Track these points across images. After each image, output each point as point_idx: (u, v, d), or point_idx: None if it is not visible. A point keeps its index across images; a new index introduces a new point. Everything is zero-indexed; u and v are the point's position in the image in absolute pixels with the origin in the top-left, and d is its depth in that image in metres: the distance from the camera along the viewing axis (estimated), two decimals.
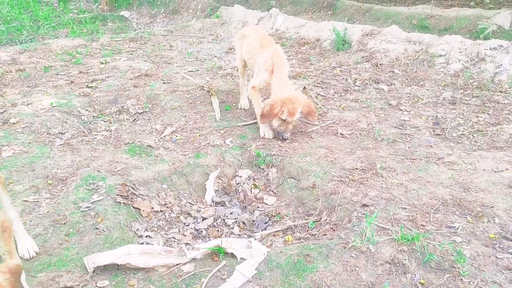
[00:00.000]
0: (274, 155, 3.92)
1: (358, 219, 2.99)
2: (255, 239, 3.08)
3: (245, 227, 3.40)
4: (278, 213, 3.50)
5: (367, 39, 6.50)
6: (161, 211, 3.41)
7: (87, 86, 5.45)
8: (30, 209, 3.13)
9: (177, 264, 2.69)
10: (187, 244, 3.13)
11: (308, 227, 3.22)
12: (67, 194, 3.28)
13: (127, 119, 4.85)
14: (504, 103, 4.73)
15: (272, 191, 3.74)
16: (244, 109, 4.88)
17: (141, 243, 3.02)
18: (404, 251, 2.66)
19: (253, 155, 3.96)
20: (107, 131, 4.52)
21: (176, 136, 4.32)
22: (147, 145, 4.12)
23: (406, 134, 4.23)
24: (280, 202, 3.62)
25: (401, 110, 4.79)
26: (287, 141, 4.14)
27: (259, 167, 3.90)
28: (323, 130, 4.36)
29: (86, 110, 4.87)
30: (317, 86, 5.43)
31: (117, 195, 3.28)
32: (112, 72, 6.01)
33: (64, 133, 4.31)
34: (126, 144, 4.19)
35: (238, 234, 3.31)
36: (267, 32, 5.31)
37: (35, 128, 4.28)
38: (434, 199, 3.16)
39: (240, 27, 8.07)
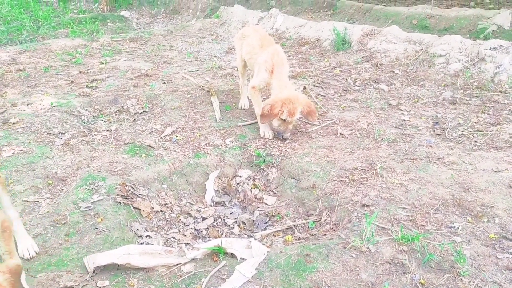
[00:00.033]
0: (274, 155, 3.92)
1: (358, 219, 2.99)
2: (255, 239, 3.08)
3: (245, 227, 3.40)
4: (278, 213, 3.50)
5: (367, 39, 6.50)
6: (161, 211, 3.41)
7: (87, 86, 5.45)
8: (30, 209, 3.14)
9: (177, 264, 2.69)
10: (187, 244, 3.13)
11: (308, 227, 3.22)
12: (67, 194, 3.28)
13: (127, 119, 4.85)
14: (504, 103, 4.73)
15: (272, 191, 3.74)
16: (244, 109, 4.88)
17: (141, 243, 3.02)
18: (404, 251, 2.66)
19: (253, 155, 3.96)
20: (107, 131, 4.53)
21: (176, 136, 4.32)
22: (147, 145, 4.12)
23: (406, 134, 4.23)
24: (280, 202, 3.62)
25: (401, 110, 4.79)
26: (287, 141, 4.13)
27: (259, 167, 3.90)
28: (323, 130, 4.36)
29: (86, 110, 4.87)
30: (317, 86, 5.44)
31: (117, 195, 3.28)
32: (112, 72, 6.01)
33: (64, 133, 4.31)
34: (126, 144, 4.19)
35: (238, 234, 3.31)
36: (267, 32, 5.31)
37: (35, 128, 4.28)
38: (434, 199, 3.16)
39: (240, 27, 8.07)
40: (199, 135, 4.30)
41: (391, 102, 4.98)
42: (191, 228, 3.34)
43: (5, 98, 4.99)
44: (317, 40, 7.15)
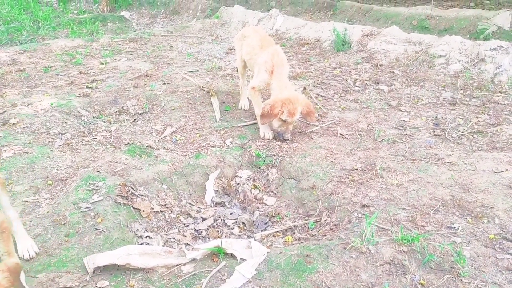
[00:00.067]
0: (274, 155, 3.92)
1: (358, 219, 2.99)
2: (255, 240, 3.08)
3: (245, 228, 3.40)
4: (278, 213, 3.50)
5: (367, 40, 6.50)
6: (161, 211, 3.41)
7: (87, 87, 5.45)
8: (30, 209, 3.13)
9: (177, 265, 2.69)
10: (187, 244, 3.12)
11: (308, 227, 3.22)
12: (67, 195, 3.28)
13: (127, 119, 4.85)
14: (504, 104, 4.73)
15: (272, 191, 3.74)
16: (244, 110, 4.88)
17: (141, 244, 3.02)
18: (404, 251, 2.66)
19: (253, 156, 3.96)
20: (107, 131, 4.53)
21: (176, 136, 4.32)
22: (147, 146, 4.12)
23: (406, 134, 4.23)
24: (280, 203, 3.62)
25: (401, 110, 4.79)
26: (288, 141, 4.13)
27: (259, 167, 3.90)
28: (323, 131, 4.36)
29: (86, 110, 4.87)
30: (317, 86, 5.44)
31: (117, 195, 3.28)
32: (112, 73, 6.01)
33: (64, 134, 4.31)
34: (126, 144, 4.19)
35: (238, 235, 3.30)
36: (267, 33, 5.31)
37: (35, 128, 4.28)
38: (434, 200, 3.16)
39: (240, 27, 8.07)
40: (199, 136, 4.30)
41: (391, 102, 4.98)
42: (191, 229, 3.34)
43: (5, 98, 4.99)
44: (317, 41, 7.15)
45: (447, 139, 4.16)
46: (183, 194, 3.66)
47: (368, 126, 4.42)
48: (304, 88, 5.29)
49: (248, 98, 4.88)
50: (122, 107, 5.04)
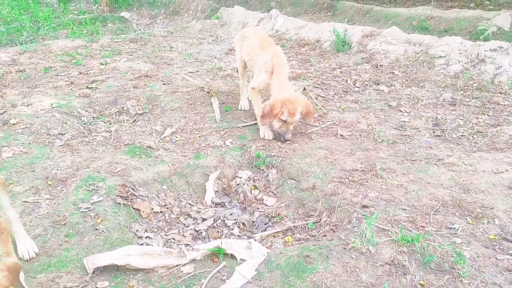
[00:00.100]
0: (274, 156, 3.92)
1: (358, 220, 2.99)
2: (255, 240, 3.08)
3: (245, 228, 3.40)
4: (278, 214, 3.49)
5: (367, 40, 6.51)
6: (161, 212, 3.41)
7: (87, 87, 5.45)
8: (30, 210, 3.13)
9: (177, 265, 2.69)
10: (187, 245, 3.12)
11: (308, 228, 3.22)
12: (67, 195, 3.28)
13: (127, 120, 4.85)
14: (504, 105, 4.73)
15: (272, 192, 3.74)
16: (244, 110, 4.88)
17: (141, 244, 3.02)
18: (404, 252, 2.66)
19: (253, 156, 3.96)
20: (107, 132, 4.53)
21: (176, 137, 4.32)
22: (147, 146, 4.12)
23: (406, 135, 4.23)
24: (280, 203, 3.61)
25: (401, 111, 4.79)
26: (288, 142, 4.13)
27: (259, 168, 3.90)
28: (323, 131, 4.36)
29: (86, 111, 4.87)
30: (317, 87, 5.44)
31: (117, 196, 3.28)
32: (112, 73, 6.02)
33: (64, 134, 4.31)
34: (126, 145, 4.19)
35: (238, 235, 3.30)
36: (267, 33, 5.31)
37: (35, 129, 4.28)
38: (434, 200, 3.16)
39: (240, 28, 8.07)
40: (199, 136, 4.30)
41: (391, 103, 4.98)
42: (191, 229, 3.34)
43: (5, 99, 4.99)
44: (317, 41, 7.15)
45: (447, 139, 4.16)
46: (183, 194, 3.66)
47: (368, 126, 4.42)
48: (304, 89, 5.30)
49: (248, 99, 4.88)
50: (122, 107, 5.04)
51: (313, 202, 3.43)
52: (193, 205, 3.60)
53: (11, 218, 2.67)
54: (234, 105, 4.98)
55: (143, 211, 3.30)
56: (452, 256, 2.60)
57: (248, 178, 3.86)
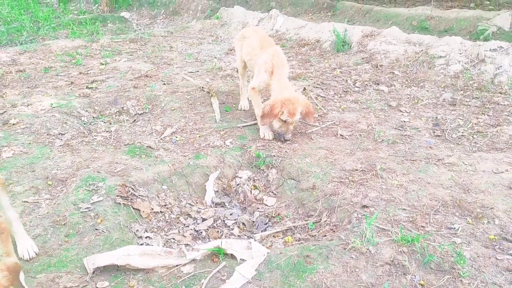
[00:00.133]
0: (274, 156, 3.92)
1: (358, 220, 2.99)
2: (255, 240, 3.08)
3: (245, 228, 3.40)
4: (278, 214, 3.50)
5: (367, 40, 6.51)
6: (161, 212, 3.41)
7: (87, 87, 5.45)
8: (30, 210, 3.13)
9: (177, 265, 2.69)
10: (187, 245, 3.12)
11: (308, 228, 3.22)
12: (67, 195, 3.28)
13: (127, 120, 4.85)
14: (504, 105, 4.73)
15: (272, 192, 3.74)
16: (244, 110, 4.88)
17: (141, 244, 3.02)
18: (404, 252, 2.66)
19: (253, 156, 3.96)
20: (107, 132, 4.53)
21: (176, 137, 4.32)
22: (147, 146, 4.12)
23: (406, 135, 4.23)
24: (280, 203, 3.61)
25: (401, 111, 4.79)
26: (288, 142, 4.13)
27: (259, 168, 3.90)
28: (323, 131, 4.36)
29: (86, 111, 4.87)
30: (317, 87, 5.44)
31: (117, 196, 3.28)
32: (112, 73, 6.02)
33: (64, 134, 4.31)
34: (126, 145, 4.19)
35: (238, 235, 3.30)
36: (267, 33, 5.31)
37: (35, 129, 4.28)
38: (434, 200, 3.16)
39: (240, 28, 8.07)
40: (199, 136, 4.30)
41: (391, 103, 4.98)
42: (191, 229, 3.34)
43: (5, 99, 4.99)
44: (317, 41, 7.15)
45: (447, 139, 4.16)
46: (183, 194, 3.66)
47: (368, 126, 4.42)
48: (304, 89, 5.30)
49: (248, 99, 4.88)
50: (122, 107, 5.04)
51: (313, 202, 3.43)
52: (193, 205, 3.60)
53: (11, 218, 2.67)
54: (234, 105, 4.98)
55: (143, 211, 3.30)
56: (452, 256, 2.60)
57: (248, 178, 3.86)
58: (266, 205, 3.62)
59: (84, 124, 4.66)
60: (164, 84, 5.62)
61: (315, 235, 3.10)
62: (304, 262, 2.63)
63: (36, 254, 2.71)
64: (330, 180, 3.50)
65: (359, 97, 5.18)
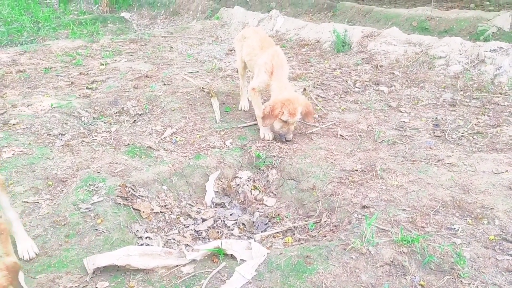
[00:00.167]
0: (274, 156, 3.92)
1: (358, 220, 2.99)
2: (255, 241, 3.08)
3: (245, 229, 3.40)
4: (278, 214, 3.50)
5: (367, 41, 6.51)
6: (161, 212, 3.41)
7: (87, 88, 5.46)
8: (30, 210, 3.13)
9: (177, 266, 2.69)
10: (187, 245, 3.13)
11: (308, 228, 3.22)
12: (67, 195, 3.28)
13: (127, 120, 4.85)
14: (504, 105, 4.73)
15: (272, 192, 3.74)
16: (244, 111, 4.88)
17: (141, 245, 3.02)
18: (404, 252, 2.66)
19: (253, 157, 3.96)
20: (107, 132, 4.53)
21: (176, 137, 4.32)
22: (147, 147, 4.12)
23: (406, 135, 4.23)
24: (280, 204, 3.62)
25: (401, 111, 4.79)
26: (289, 142, 4.12)
27: (259, 168, 3.90)
28: (323, 132, 4.36)
29: (86, 111, 4.88)
30: (317, 87, 5.44)
31: (117, 196, 3.28)
32: (112, 74, 6.02)
33: (64, 134, 4.31)
34: (126, 145, 4.19)
35: (238, 236, 3.31)
36: (267, 34, 5.32)
37: (35, 129, 4.29)
38: (434, 201, 3.16)
39: (240, 28, 8.08)
40: (199, 137, 4.30)
41: (391, 103, 4.98)
42: (191, 230, 3.34)
43: (5, 99, 4.99)
44: (317, 42, 7.15)
45: (447, 140, 4.16)
46: (183, 195, 3.66)
47: (368, 127, 4.42)
48: (304, 89, 5.30)
49: (248, 99, 4.88)
50: (122, 108, 5.04)
51: (313, 202, 3.43)
52: (193, 206, 3.60)
53: (11, 219, 2.67)
54: (234, 106, 4.99)
55: (143, 212, 3.31)
56: (452, 257, 2.60)
57: (248, 178, 3.86)
58: (266, 205, 3.63)
59: (84, 124, 4.66)
60: (164, 84, 5.62)
61: (315, 235, 3.10)
62: (304, 262, 2.63)
63: (36, 254, 2.71)
64: (330, 181, 3.50)
65: (359, 97, 5.19)
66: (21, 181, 3.45)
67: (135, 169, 3.68)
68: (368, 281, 2.50)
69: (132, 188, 3.42)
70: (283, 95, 4.05)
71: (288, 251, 2.77)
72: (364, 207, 3.12)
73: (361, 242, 2.73)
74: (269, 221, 3.47)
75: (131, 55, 6.96)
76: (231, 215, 3.55)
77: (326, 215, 3.25)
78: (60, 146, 4.07)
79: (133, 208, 3.28)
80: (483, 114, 4.60)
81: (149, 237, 3.12)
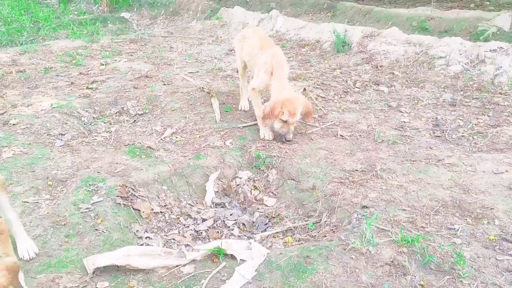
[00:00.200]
0: (274, 156, 3.92)
1: (358, 220, 2.99)
2: (255, 241, 3.08)
3: (245, 229, 3.40)
4: (278, 214, 3.50)
5: (367, 41, 6.51)
6: (161, 212, 3.41)
7: (87, 88, 5.46)
8: (30, 210, 3.13)
9: (177, 266, 2.69)
10: (187, 245, 3.13)
11: (308, 228, 3.22)
12: (67, 195, 3.28)
13: (127, 120, 4.85)
14: (504, 105, 4.73)
15: (272, 192, 3.74)
16: (244, 111, 4.88)
17: (141, 245, 3.02)
18: (404, 252, 2.66)
19: (253, 157, 3.96)
20: (107, 132, 4.53)
21: (176, 137, 4.32)
22: (147, 147, 4.12)
23: (406, 135, 4.23)
24: (280, 204, 3.62)
25: (401, 112, 4.79)
26: (290, 142, 4.12)
27: (259, 168, 3.90)
28: (323, 132, 4.36)
29: (86, 111, 4.87)
30: (317, 87, 5.44)
31: (117, 196, 3.28)
32: (112, 74, 6.02)
33: (64, 134, 4.31)
34: (126, 145, 4.19)
35: (238, 236, 3.31)
36: (267, 34, 5.31)
37: (35, 129, 4.28)
38: (434, 201, 3.16)
39: (240, 28, 8.07)
40: (199, 137, 4.30)
41: (391, 103, 4.98)
42: (191, 230, 3.34)
43: (5, 99, 4.99)
44: (317, 42, 7.15)
45: (447, 140, 4.16)
46: (183, 195, 3.66)
47: (368, 127, 4.42)
48: (304, 89, 5.30)
49: (248, 99, 4.88)
50: (122, 108, 5.04)
51: (313, 202, 3.43)
52: (193, 206, 3.60)
53: (11, 219, 2.67)
54: (234, 106, 4.99)
55: (143, 212, 3.31)
56: (452, 257, 2.60)
57: (248, 178, 3.86)
58: (266, 205, 3.63)
59: (84, 124, 4.66)
60: (164, 84, 5.62)
61: (315, 235, 3.10)
62: (304, 262, 2.63)
63: (36, 254, 2.71)
64: (330, 181, 3.50)
65: (359, 97, 5.19)
66: (21, 181, 3.45)
67: (135, 169, 3.68)
68: (368, 281, 2.50)
69: (132, 188, 3.42)
70: (283, 95, 4.05)
71: (288, 251, 2.77)
72: (364, 207, 3.12)
73: (361, 242, 2.73)
74: (269, 221, 3.47)
75: (131, 55, 6.95)
76: (231, 215, 3.55)
77: (326, 215, 3.25)
78: (60, 146, 4.07)
79: (133, 208, 3.28)
80: (483, 114, 4.60)
81: (149, 237, 3.12)
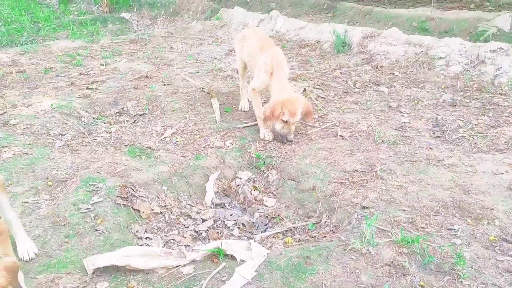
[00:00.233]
0: (274, 157, 3.92)
1: (358, 221, 2.99)
2: (255, 241, 3.08)
3: (245, 229, 3.40)
4: (278, 215, 3.50)
5: (367, 41, 6.51)
6: (161, 212, 3.41)
7: (87, 88, 5.46)
8: (30, 210, 3.13)
9: (177, 266, 2.69)
10: (186, 245, 3.12)
11: (308, 229, 3.22)
12: (67, 196, 3.28)
13: (127, 120, 4.85)
14: (504, 106, 4.73)
15: (272, 193, 3.74)
16: (244, 111, 4.88)
17: (141, 245, 3.02)
18: (404, 253, 2.66)
19: (253, 157, 3.96)
20: (107, 132, 4.53)
21: (176, 137, 4.32)
22: (147, 147, 4.12)
23: (406, 136, 4.23)
24: (280, 204, 3.62)
25: (401, 112, 4.79)
26: (291, 142, 4.12)
27: (259, 169, 3.90)
28: (323, 132, 4.36)
29: (86, 111, 4.87)
30: (317, 88, 5.44)
31: (117, 196, 3.28)
32: (113, 74, 6.02)
33: (64, 135, 4.31)
34: (126, 145, 4.19)
35: (238, 236, 3.30)
36: (267, 34, 5.31)
37: (35, 129, 4.28)
38: (434, 201, 3.16)
39: (240, 29, 8.08)
40: (199, 137, 4.30)
41: (391, 104, 4.98)
42: (191, 230, 3.34)
43: (5, 99, 4.99)
44: (317, 42, 7.15)
45: (447, 140, 4.16)
46: (183, 195, 3.66)
47: (368, 127, 4.42)
48: (304, 90, 5.30)
49: (248, 100, 4.88)
50: (122, 108, 5.04)
51: (313, 203, 3.43)
52: (193, 206, 3.60)
53: (11, 219, 2.67)
54: (234, 106, 4.99)
55: (143, 212, 3.30)
56: (452, 257, 2.60)
57: (248, 179, 3.86)
58: (266, 206, 3.63)
59: (84, 124, 4.66)
60: (164, 85, 5.62)
61: (315, 236, 3.10)
62: (304, 263, 2.63)
63: (36, 254, 2.71)
64: (330, 181, 3.50)
65: (359, 98, 5.19)
66: (21, 181, 3.45)
67: (135, 170, 3.67)
68: (368, 281, 2.50)
69: (132, 189, 3.42)
70: (283, 95, 4.05)
71: (288, 252, 2.77)
72: (364, 207, 3.12)
73: (361, 243, 2.73)
74: (269, 222, 3.46)
75: (131, 56, 6.95)
76: (231, 215, 3.54)
77: (326, 216, 3.25)
78: (60, 146, 4.07)
79: (133, 209, 3.28)
80: (483, 114, 4.60)
81: (149, 238, 3.12)
